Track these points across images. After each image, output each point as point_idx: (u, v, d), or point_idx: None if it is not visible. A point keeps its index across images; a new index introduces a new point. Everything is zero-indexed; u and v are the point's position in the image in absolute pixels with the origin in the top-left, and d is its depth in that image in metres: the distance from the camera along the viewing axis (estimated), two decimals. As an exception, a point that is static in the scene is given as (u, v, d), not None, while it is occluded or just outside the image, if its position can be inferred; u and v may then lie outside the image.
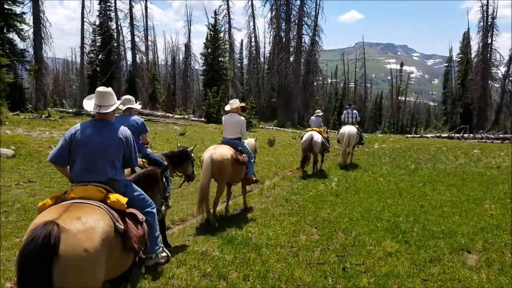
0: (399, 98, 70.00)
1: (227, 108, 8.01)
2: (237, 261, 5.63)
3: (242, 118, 7.97)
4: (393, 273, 5.49)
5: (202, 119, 28.76)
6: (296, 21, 35.06)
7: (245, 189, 8.72)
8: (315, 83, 48.08)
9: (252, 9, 44.30)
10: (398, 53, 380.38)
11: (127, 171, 4.51)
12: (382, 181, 11.95)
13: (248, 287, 4.94)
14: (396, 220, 7.97)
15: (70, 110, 23.75)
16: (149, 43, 47.81)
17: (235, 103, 8.04)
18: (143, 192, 3.91)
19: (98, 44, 37.35)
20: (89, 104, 3.72)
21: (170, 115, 29.88)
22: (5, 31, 22.84)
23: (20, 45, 24.63)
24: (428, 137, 30.58)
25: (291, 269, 5.44)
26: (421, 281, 5.35)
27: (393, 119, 66.45)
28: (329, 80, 78.84)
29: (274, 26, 37.36)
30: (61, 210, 2.95)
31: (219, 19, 43.64)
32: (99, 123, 3.59)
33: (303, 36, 35.60)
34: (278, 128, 30.11)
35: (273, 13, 37.10)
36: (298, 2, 35.04)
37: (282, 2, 35.96)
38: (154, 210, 3.93)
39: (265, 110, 42.46)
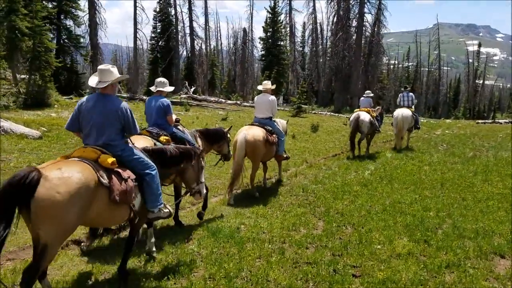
0: (477, 81, 64.77)
1: (260, 87, 8.50)
2: (212, 257, 4.97)
3: (274, 97, 8.34)
4: (392, 279, 4.57)
5: (253, 105, 28.18)
6: (358, -2, 33.01)
7: (280, 166, 9.40)
8: (382, 66, 45.61)
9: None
10: (480, 34, 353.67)
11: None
12: (427, 170, 10.68)
13: (207, 289, 4.28)
14: (424, 215, 6.91)
15: (125, 95, 24.15)
16: (212, 29, 48.09)
17: (268, 83, 8.48)
18: (142, 156, 4.29)
19: (158, 30, 38.00)
20: (93, 80, 4.18)
21: (223, 100, 29.59)
22: (62, 17, 23.71)
23: (76, 31, 25.49)
24: (501, 123, 27.72)
25: (269, 269, 4.69)
26: (427, 291, 4.41)
27: (469, 104, 61.70)
28: (403, 63, 74.38)
29: (334, 6, 35.62)
30: (51, 163, 3.55)
31: (278, 2, 42.48)
32: (99, 97, 4.06)
33: (365, 15, 33.49)
34: (332, 113, 28.67)
35: (333, -10, 35.24)
36: (360, -22, 32.89)
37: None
38: (153, 172, 4.26)
39: (324, 95, 41.00)
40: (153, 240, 4.98)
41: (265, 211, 6.91)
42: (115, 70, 4.16)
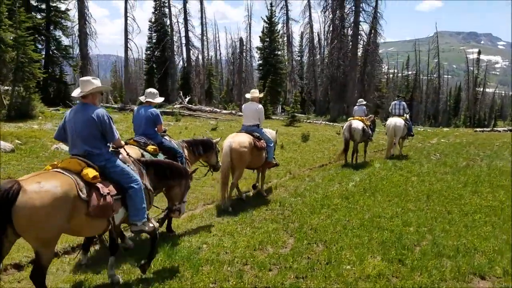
0: (477, 89, 64.35)
1: (248, 96, 8.49)
2: (161, 283, 4.53)
3: (261, 106, 8.32)
4: (355, 306, 4.15)
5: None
6: (353, 7, 32.68)
7: (264, 174, 8.98)
8: (381, 75, 45.22)
9: (308, -2, 42.53)
10: (482, 42, 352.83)
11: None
12: (414, 181, 10.26)
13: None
14: (403, 230, 6.50)
15: (115, 106, 23.96)
16: (210, 39, 48.01)
17: (256, 92, 8.50)
18: (126, 168, 4.35)
19: (154, 41, 37.90)
20: (76, 91, 4.30)
21: (218, 110, 29.37)
22: (51, 28, 23.46)
23: (66, 41, 25.22)
24: (499, 131, 27.26)
25: (221, 296, 4.28)
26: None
27: (469, 112, 61.21)
28: (403, 72, 73.98)
29: (329, 15, 35.34)
30: (34, 175, 3.70)
31: (275, 11, 42.39)
32: (79, 107, 4.22)
33: (360, 24, 33.11)
34: (327, 122, 28.31)
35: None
36: (355, -13, 32.56)
37: (336, -12, 33.67)
38: (136, 186, 4.30)
39: (321, 104, 40.65)
40: (113, 271, 4.59)
41: (233, 227, 6.48)
42: (96, 81, 4.30)
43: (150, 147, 6.11)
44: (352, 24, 33.26)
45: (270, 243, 5.82)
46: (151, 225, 4.57)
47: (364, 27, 34.09)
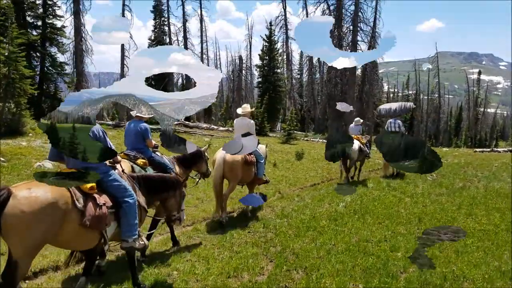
0: (478, 109, 64.29)
1: (239, 111, 8.44)
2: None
3: (252, 121, 8.34)
4: None
5: (245, 132, 27.67)
6: (351, 27, 32.84)
7: (253, 190, 8.76)
8: (382, 94, 45.32)
9: (307, 17, 42.74)
10: (483, 62, 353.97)
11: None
12: (407, 202, 9.92)
13: None
14: (390, 256, 6.16)
15: (110, 123, 23.78)
16: (211, 57, 48.22)
17: (247, 107, 8.47)
18: (122, 182, 4.33)
19: (153, 58, 37.95)
20: None
21: (215, 127, 29.20)
22: (47, 45, 23.41)
23: (62, 58, 25.13)
24: (499, 151, 26.89)
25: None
26: None
27: (470, 132, 60.93)
28: (403, 92, 74.10)
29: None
30: (26, 182, 3.74)
31: (274, 30, 42.59)
32: None
33: (358, 43, 33.20)
34: (325, 140, 28.12)
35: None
36: (353, 8, 32.82)
37: (334, 8, 33.90)
38: (131, 201, 4.29)
39: (320, 122, 40.53)
40: None
41: (210, 252, 6.13)
42: None
43: (140, 161, 6.22)
44: (350, 43, 33.33)
45: (247, 270, 5.48)
46: (141, 242, 4.51)
47: (362, 46, 34.19)
